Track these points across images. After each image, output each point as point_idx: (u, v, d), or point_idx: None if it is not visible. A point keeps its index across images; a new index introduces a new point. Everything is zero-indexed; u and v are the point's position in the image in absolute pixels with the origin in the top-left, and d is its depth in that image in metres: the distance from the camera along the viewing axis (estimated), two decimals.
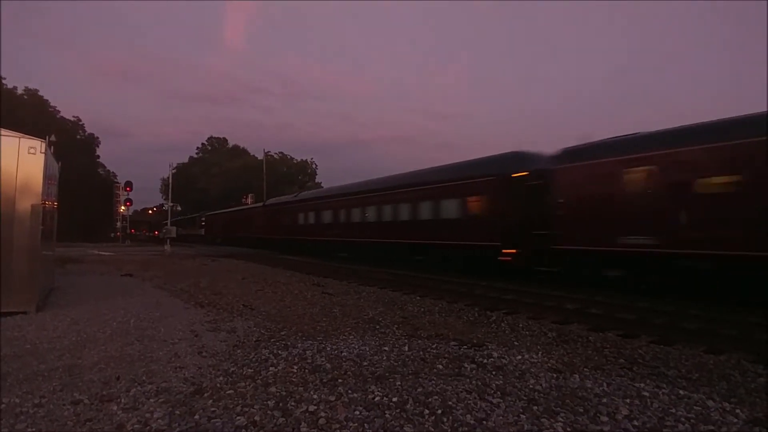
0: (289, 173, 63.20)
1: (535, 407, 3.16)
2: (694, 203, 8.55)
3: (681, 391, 3.59)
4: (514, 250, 12.02)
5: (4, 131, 6.44)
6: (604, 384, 3.70)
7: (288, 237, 26.35)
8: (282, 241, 27.35)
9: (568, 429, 2.86)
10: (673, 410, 3.16)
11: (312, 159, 69.53)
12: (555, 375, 3.92)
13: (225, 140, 74.04)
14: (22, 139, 6.54)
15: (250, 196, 48.32)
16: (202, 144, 73.82)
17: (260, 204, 34.23)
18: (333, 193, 23.32)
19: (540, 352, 4.80)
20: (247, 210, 38.41)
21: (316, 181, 64.50)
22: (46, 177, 6.90)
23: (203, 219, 49.18)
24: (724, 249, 8.04)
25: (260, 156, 55.09)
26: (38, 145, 6.64)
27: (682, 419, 3.02)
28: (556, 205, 10.88)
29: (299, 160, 68.05)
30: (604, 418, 3.01)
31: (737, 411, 3.19)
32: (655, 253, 8.97)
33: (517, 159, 12.93)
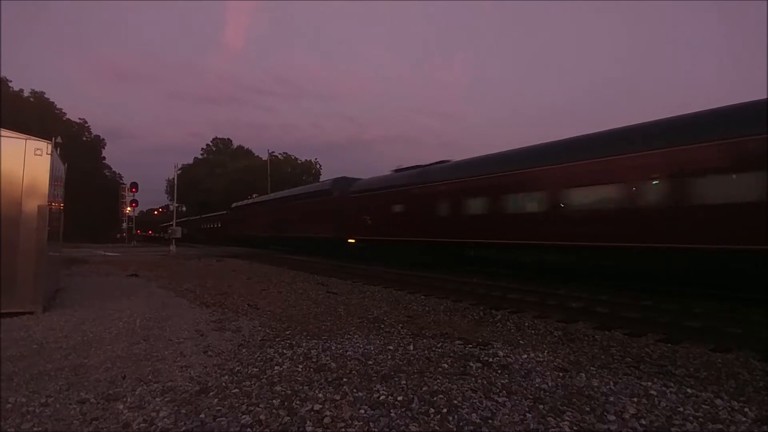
0: (293, 173, 63.31)
1: (541, 406, 3.14)
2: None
3: (689, 390, 3.55)
4: None
5: (10, 133, 6.48)
6: (611, 383, 3.67)
7: None
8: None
9: (575, 428, 2.83)
10: (681, 409, 3.13)
11: (316, 159, 69.73)
12: (561, 374, 3.89)
13: (230, 141, 74.39)
14: (28, 140, 6.57)
15: (255, 196, 48.44)
16: (207, 145, 74.18)
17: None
18: None
19: (546, 351, 4.77)
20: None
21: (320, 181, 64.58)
22: (53, 178, 6.93)
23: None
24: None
25: (265, 157, 55.28)
26: (44, 146, 6.67)
27: (690, 418, 2.99)
28: None
29: (303, 160, 68.25)
30: (612, 417, 2.98)
31: (746, 409, 3.15)
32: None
33: None
